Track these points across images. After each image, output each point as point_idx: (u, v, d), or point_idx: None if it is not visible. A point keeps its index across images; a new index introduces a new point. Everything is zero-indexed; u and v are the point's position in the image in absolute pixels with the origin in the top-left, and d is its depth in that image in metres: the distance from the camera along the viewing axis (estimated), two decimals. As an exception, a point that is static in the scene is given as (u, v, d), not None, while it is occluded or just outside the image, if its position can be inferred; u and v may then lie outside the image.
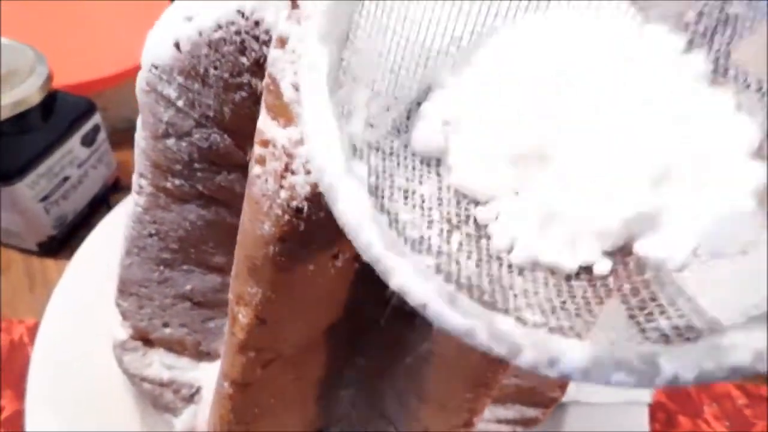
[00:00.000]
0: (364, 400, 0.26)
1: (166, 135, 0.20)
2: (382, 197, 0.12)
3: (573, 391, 0.38)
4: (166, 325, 0.29)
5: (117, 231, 0.39)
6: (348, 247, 0.18)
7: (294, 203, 0.15)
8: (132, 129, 0.57)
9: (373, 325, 0.23)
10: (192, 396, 0.31)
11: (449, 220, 0.13)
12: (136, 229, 0.24)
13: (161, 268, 0.26)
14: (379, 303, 0.22)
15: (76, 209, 0.42)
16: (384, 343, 0.23)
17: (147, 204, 0.23)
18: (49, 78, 0.37)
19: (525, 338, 0.10)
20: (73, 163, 0.40)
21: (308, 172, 0.15)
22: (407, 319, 0.22)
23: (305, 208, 0.15)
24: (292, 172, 0.15)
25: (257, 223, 0.16)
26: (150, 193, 0.23)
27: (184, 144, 0.20)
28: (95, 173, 0.42)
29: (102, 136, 0.42)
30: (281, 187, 0.15)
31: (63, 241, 0.42)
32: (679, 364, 0.10)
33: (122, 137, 0.48)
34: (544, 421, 0.33)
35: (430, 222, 0.13)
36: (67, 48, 0.45)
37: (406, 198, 0.13)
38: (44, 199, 0.38)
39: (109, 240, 0.39)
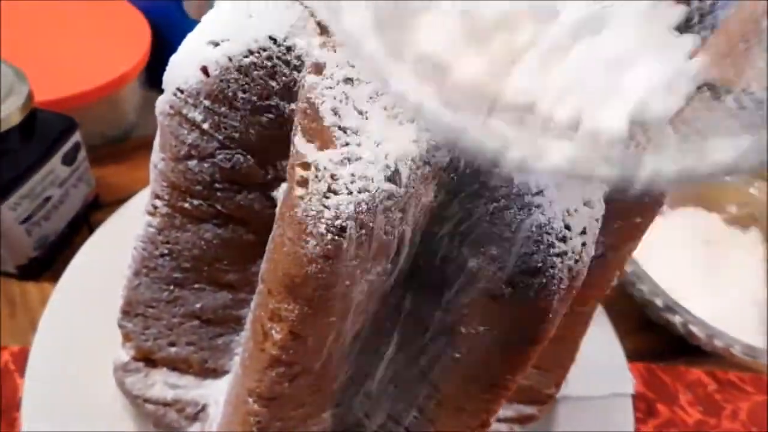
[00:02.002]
0: (378, 408, 0.27)
1: (189, 157, 0.20)
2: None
3: (562, 388, 0.39)
4: (172, 344, 0.29)
5: (101, 253, 0.38)
6: (381, 262, 0.19)
7: (338, 222, 0.16)
8: (106, 145, 0.56)
9: (389, 332, 0.24)
10: (197, 414, 0.31)
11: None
12: (147, 250, 0.24)
13: (171, 287, 0.26)
14: (397, 309, 0.23)
15: (57, 229, 0.41)
16: (400, 351, 0.24)
17: (161, 225, 0.23)
18: (30, 97, 0.36)
19: (515, 135, 0.10)
20: (55, 182, 0.39)
21: (350, 193, 0.16)
22: (422, 324, 0.23)
23: (349, 227, 0.16)
24: (335, 193, 0.16)
25: (300, 242, 0.16)
26: (165, 213, 0.23)
27: (206, 165, 0.20)
28: (76, 192, 0.41)
29: (82, 154, 0.41)
30: (325, 207, 0.16)
31: (43, 263, 0.41)
32: (662, 159, 0.10)
33: (98, 153, 0.47)
34: (541, 418, 0.34)
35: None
36: (44, 63, 0.43)
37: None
38: (26, 220, 0.37)
39: (93, 262, 0.38)
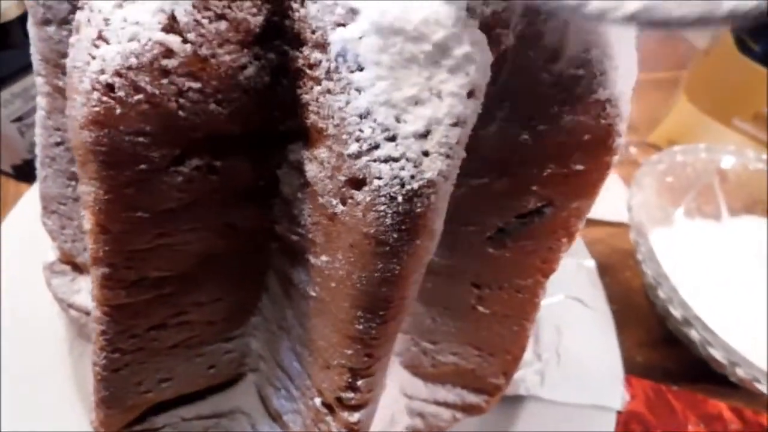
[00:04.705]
0: (268, 351, 0.24)
1: (46, 21, 0.18)
2: None
3: (535, 385, 0.34)
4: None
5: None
6: (197, 154, 0.16)
7: (104, 78, 0.13)
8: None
9: (263, 263, 0.21)
10: (115, 329, 0.30)
11: None
12: (43, 137, 0.23)
13: (73, 183, 0.24)
14: (267, 235, 0.20)
15: (56, 137, 0.41)
16: (279, 286, 0.21)
17: (48, 106, 0.22)
18: (30, -4, 0.36)
19: None
20: (53, 88, 0.39)
21: (119, 42, 0.13)
22: (289, 253, 0.19)
23: (116, 85, 0.13)
24: (106, 41, 0.13)
25: (71, 102, 0.14)
26: (48, 93, 0.21)
27: (65, 33, 0.18)
28: (78, 103, 0.42)
29: (87, 65, 0.41)
30: (92, 57, 0.13)
31: (40, 168, 0.42)
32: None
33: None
34: (488, 410, 0.30)
35: None
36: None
37: None
38: (18, 119, 0.38)
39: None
